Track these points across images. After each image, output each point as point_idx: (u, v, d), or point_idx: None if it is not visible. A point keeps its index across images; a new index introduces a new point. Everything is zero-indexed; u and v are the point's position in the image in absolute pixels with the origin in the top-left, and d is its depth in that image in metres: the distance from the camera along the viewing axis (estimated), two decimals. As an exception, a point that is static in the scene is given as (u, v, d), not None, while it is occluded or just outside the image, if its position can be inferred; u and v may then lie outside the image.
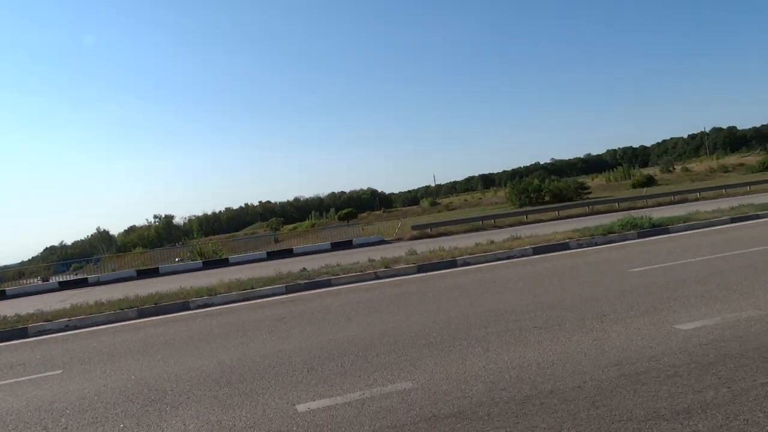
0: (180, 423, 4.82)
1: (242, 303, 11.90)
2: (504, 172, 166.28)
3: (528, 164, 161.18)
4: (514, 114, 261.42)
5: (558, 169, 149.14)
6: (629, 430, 3.61)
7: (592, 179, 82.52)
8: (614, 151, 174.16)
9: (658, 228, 16.01)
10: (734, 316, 6.04)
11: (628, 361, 4.97)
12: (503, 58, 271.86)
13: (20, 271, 42.21)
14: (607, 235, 15.39)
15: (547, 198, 54.42)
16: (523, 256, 14.23)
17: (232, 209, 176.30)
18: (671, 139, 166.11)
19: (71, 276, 35.11)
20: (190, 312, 11.55)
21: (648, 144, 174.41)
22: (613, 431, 3.63)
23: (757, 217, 17.14)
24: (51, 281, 30.81)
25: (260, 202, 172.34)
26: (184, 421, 4.87)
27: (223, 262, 27.89)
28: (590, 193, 57.52)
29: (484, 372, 5.17)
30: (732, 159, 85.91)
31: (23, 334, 11.01)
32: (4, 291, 25.96)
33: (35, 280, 34.64)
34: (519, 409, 4.18)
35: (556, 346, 5.74)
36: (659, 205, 31.72)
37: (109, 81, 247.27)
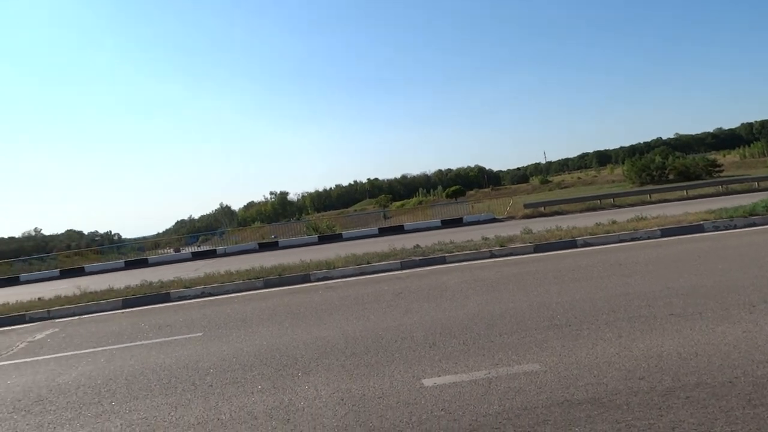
0: (312, 389, 5.06)
1: (359, 277, 12.24)
2: (621, 148, 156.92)
3: (648, 140, 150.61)
4: (632, 86, 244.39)
5: (683, 144, 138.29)
6: (796, 433, 3.29)
7: (724, 156, 75.65)
8: (750, 124, 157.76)
9: (810, 210, 14.29)
10: None
11: (787, 357, 4.51)
12: (618, 26, 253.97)
13: (156, 242, 46.46)
14: (749, 217, 14.00)
15: (671, 176, 50.72)
16: (650, 238, 13.34)
17: (342, 186, 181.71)
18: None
19: (200, 247, 38.05)
20: (310, 284, 12.07)
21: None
22: (776, 432, 3.32)
23: None
24: (183, 252, 33.59)
25: (368, 179, 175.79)
26: (316, 387, 5.10)
27: (337, 237, 28.82)
28: (722, 170, 52.78)
29: (617, 359, 4.93)
30: None
31: (166, 298, 12.12)
32: (147, 259, 28.74)
33: (169, 250, 38.00)
34: (662, 401, 3.94)
35: (698, 336, 5.33)
36: (808, 184, 28.37)
37: (225, 66, 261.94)
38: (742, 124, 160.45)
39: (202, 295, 12.12)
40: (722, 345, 4.99)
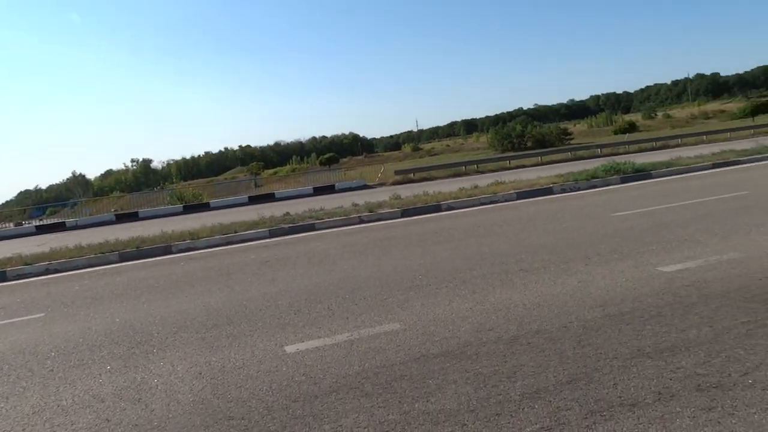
0: (168, 365, 4.82)
1: (226, 247, 11.84)
2: (487, 117, 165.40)
3: (511, 110, 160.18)
4: (499, 58, 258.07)
5: (541, 114, 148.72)
6: (615, 368, 3.69)
7: (575, 125, 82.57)
8: (597, 97, 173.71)
9: (641, 173, 16.09)
10: (716, 259, 6.13)
11: (612, 302, 5.04)
12: (491, 1, 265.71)
13: (-6, 215, 41.45)
14: (591, 180, 15.46)
15: (529, 144, 54.35)
16: (507, 201, 14.27)
17: (212, 153, 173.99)
18: (654, 85, 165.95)
19: (47, 220, 34.58)
20: (172, 256, 11.47)
21: (631, 90, 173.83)
22: (598, 368, 3.70)
23: (738, 162, 17.31)
24: (26, 225, 30.36)
25: (240, 146, 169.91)
26: (172, 362, 4.87)
27: (204, 207, 27.63)
28: (573, 138, 57.62)
29: (471, 313, 5.22)
30: (713, 106, 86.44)
31: (2, 277, 10.88)
32: (-21, 235, 25.54)
33: (8, 224, 34.09)
34: (507, 349, 4.24)
35: (541, 288, 5.80)
36: (641, 151, 31.84)
37: (82, 17, 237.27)
38: (591, 96, 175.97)
39: (47, 272, 11.03)
40: (561, 294, 5.47)
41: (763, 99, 70.25)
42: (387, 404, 3.57)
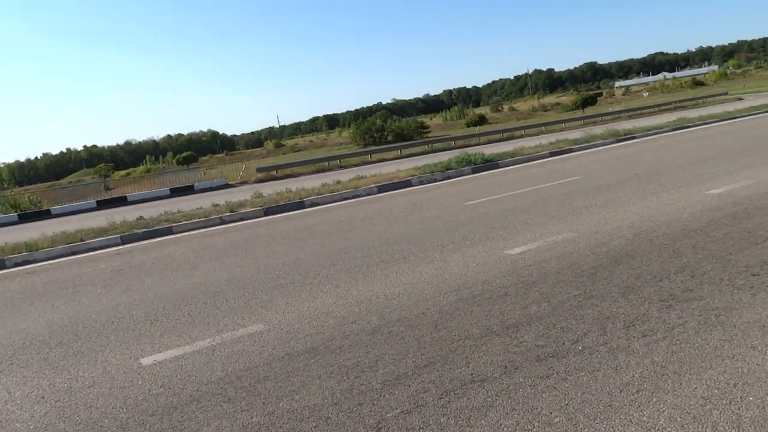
0: (3, 391, 4.35)
1: (71, 257, 10.84)
2: (348, 112, 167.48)
3: (371, 104, 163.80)
4: (356, 55, 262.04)
5: (399, 109, 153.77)
6: (467, 348, 3.97)
7: (431, 119, 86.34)
8: (450, 91, 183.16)
9: (490, 163, 17.31)
10: (553, 240, 6.80)
11: (465, 286, 5.40)
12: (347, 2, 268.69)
13: None
14: (445, 172, 16.33)
15: (389, 138, 55.90)
16: (368, 194, 14.60)
17: (51, 155, 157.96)
18: (500, 80, 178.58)
19: None
20: (6, 271, 10.28)
21: (480, 85, 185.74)
22: (453, 350, 3.96)
23: (571, 150, 19.24)
24: None
25: (85, 146, 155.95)
26: (8, 389, 4.40)
27: (45, 214, 24.98)
28: (430, 132, 60.16)
29: (334, 308, 5.31)
30: (550, 99, 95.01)
31: None
32: None
33: None
34: (369, 340, 4.38)
35: (401, 277, 6.05)
36: (490, 142, 34.16)
37: None
38: (444, 91, 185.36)
39: None
40: (419, 282, 5.75)
41: (591, 92, 78.70)
42: (250, 407, 3.53)
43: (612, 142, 20.35)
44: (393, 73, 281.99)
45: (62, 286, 8.08)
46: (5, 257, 10.74)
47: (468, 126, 63.04)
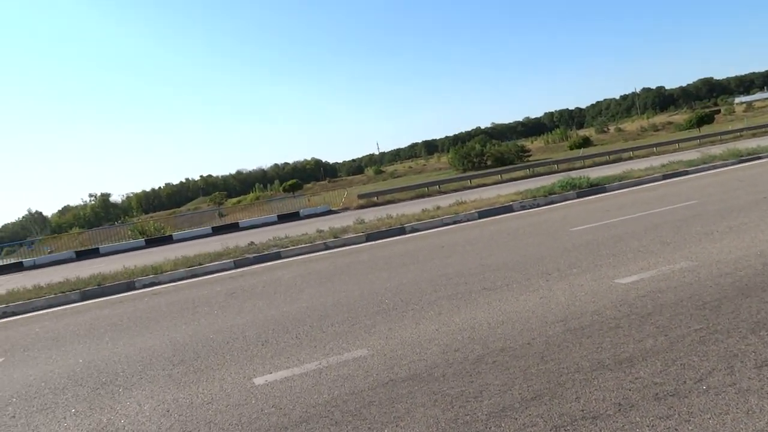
0: (134, 404, 4.74)
1: (190, 280, 11.67)
2: (446, 137, 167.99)
3: (469, 129, 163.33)
4: (454, 79, 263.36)
5: (498, 133, 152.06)
6: (577, 382, 3.81)
7: (532, 142, 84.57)
8: (551, 113, 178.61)
9: (596, 187, 16.63)
10: (669, 269, 6.39)
11: (572, 317, 5.20)
12: (442, 24, 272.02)
13: (-55, 258, 39.78)
14: (549, 197, 15.88)
15: (489, 162, 55.39)
16: (469, 220, 14.51)
17: (172, 185, 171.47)
18: (605, 100, 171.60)
19: (3, 261, 33.36)
20: (136, 292, 11.25)
21: (583, 106, 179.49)
22: (562, 383, 3.82)
23: (686, 173, 18.04)
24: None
25: (201, 176, 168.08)
26: (138, 401, 4.79)
27: (167, 240, 27.16)
28: (531, 155, 58.94)
29: (437, 335, 5.31)
30: (661, 118, 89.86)
31: (-45, 324, 10.47)
32: (-71, 280, 24.48)
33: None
34: (473, 369, 4.33)
35: (504, 305, 5.94)
36: (595, 165, 32.86)
37: (28, 54, 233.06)
38: (545, 113, 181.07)
39: (5, 315, 10.67)
40: (523, 311, 5.62)
41: (707, 110, 73.47)
42: (357, 431, 3.60)
43: (733, 163, 18.88)
44: (491, 96, 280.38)
45: (183, 307, 8.71)
46: (135, 279, 11.77)
47: (571, 149, 61.14)
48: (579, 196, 16.09)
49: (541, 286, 6.50)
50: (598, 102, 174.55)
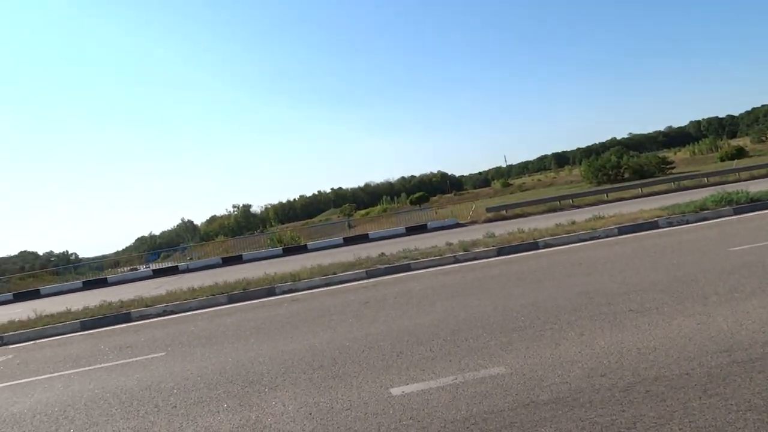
0: (280, 404, 4.99)
1: (325, 288, 12.17)
2: (578, 149, 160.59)
3: (604, 140, 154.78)
4: (588, 86, 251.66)
5: (637, 143, 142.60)
6: (750, 422, 3.41)
7: (675, 153, 78.17)
8: (698, 122, 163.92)
9: (757, 203, 14.91)
10: None
11: (739, 347, 4.67)
12: (573, 29, 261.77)
13: (116, 260, 45.24)
14: (700, 212, 14.53)
15: (626, 175, 52.07)
16: (608, 236, 13.69)
17: (306, 197, 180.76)
18: (762, 106, 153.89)
19: (162, 264, 37.20)
20: (276, 297, 11.95)
21: (736, 113, 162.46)
22: (731, 422, 3.43)
23: None
24: (141, 269, 32.81)
25: (332, 188, 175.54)
26: (283, 402, 5.04)
27: (302, 249, 28.62)
28: (674, 168, 54.48)
29: (580, 357, 5.03)
30: (835, 125, 78.84)
31: (127, 318, 11.81)
32: (106, 279, 28.00)
33: (125, 269, 37.09)
34: (623, 397, 4.03)
35: (655, 330, 5.49)
36: (753, 178, 29.57)
37: (182, 79, 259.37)
38: (691, 122, 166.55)
39: (165, 313, 11.85)
40: (678, 338, 5.15)
41: None
42: (500, 452, 3.50)
43: None
44: (628, 105, 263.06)
45: (320, 314, 9.09)
46: (275, 285, 12.52)
47: (722, 160, 55.61)
48: (736, 212, 14.55)
49: (698, 311, 5.93)
50: (754, 108, 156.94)
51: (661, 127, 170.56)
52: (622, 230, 13.87)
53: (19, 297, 26.86)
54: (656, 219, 14.30)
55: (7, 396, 6.88)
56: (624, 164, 53.90)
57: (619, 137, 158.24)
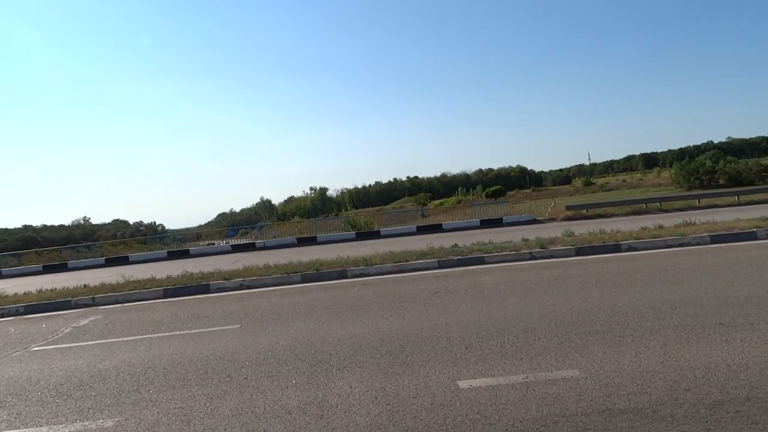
0: (346, 386, 5.04)
1: (396, 275, 12.18)
2: (670, 151, 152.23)
3: (698, 143, 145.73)
4: (683, 89, 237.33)
5: (735, 148, 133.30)
6: None
7: (780, 161, 72.34)
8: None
9: None
10: None
11: None
12: (666, 28, 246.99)
13: (198, 233, 47.54)
14: (806, 225, 13.35)
15: (721, 181, 48.80)
16: (698, 244, 12.86)
17: (381, 183, 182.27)
18: None
19: (239, 240, 38.71)
20: (347, 280, 12.10)
21: None
22: (835, 454, 3.12)
23: None
24: (219, 244, 34.25)
25: (408, 177, 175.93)
26: (350, 384, 5.08)
27: (375, 234, 28.84)
28: (777, 176, 50.45)
29: (662, 368, 4.74)
30: None
31: (206, 289, 12.36)
32: (188, 250, 29.43)
33: (205, 242, 38.91)
34: (709, 415, 3.76)
35: (749, 348, 5.09)
36: None
37: (273, 64, 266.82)
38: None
39: (241, 287, 12.30)
40: (776, 358, 4.74)
41: None
42: (570, 458, 3.35)
43: None
44: (729, 107, 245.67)
45: (390, 300, 9.10)
46: (347, 268, 12.68)
47: (835, 170, 50.89)
48: None
49: (799, 331, 5.44)
50: None
51: (765, 133, 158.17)
52: (715, 239, 12.98)
53: (110, 262, 28.82)
54: (755, 229, 13.27)
55: (95, 353, 7.37)
56: (720, 169, 50.51)
57: (716, 141, 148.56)
